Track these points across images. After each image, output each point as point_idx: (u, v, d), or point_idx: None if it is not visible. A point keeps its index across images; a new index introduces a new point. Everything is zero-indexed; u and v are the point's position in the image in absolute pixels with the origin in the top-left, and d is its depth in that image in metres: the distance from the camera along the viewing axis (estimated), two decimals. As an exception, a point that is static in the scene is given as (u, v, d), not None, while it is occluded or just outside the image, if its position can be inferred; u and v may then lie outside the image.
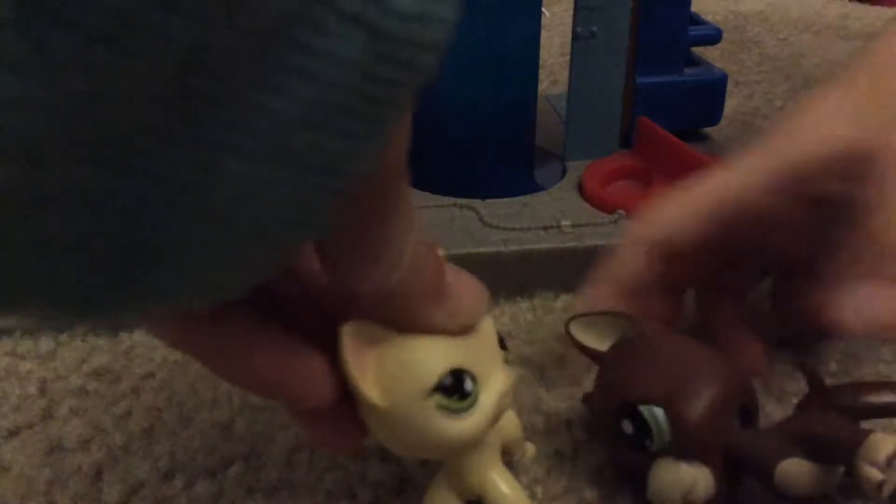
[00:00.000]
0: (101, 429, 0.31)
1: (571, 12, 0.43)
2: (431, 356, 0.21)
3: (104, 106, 0.12)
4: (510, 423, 0.27)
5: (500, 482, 0.25)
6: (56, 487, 0.28)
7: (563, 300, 0.38)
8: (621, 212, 0.40)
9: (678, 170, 0.42)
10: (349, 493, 0.28)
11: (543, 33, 0.45)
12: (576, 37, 0.44)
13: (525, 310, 0.38)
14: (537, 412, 0.31)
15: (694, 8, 0.50)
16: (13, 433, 0.31)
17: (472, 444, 0.23)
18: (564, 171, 0.46)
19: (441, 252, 0.21)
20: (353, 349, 0.20)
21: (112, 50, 0.11)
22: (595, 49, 0.44)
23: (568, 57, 0.45)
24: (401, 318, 0.21)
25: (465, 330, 0.22)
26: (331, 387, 0.21)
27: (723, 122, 0.52)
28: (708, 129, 0.51)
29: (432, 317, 0.21)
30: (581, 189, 0.43)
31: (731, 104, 0.61)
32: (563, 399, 0.32)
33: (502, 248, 0.38)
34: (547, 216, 0.41)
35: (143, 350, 0.35)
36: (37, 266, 0.14)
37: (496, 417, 0.22)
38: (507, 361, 0.24)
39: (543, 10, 0.43)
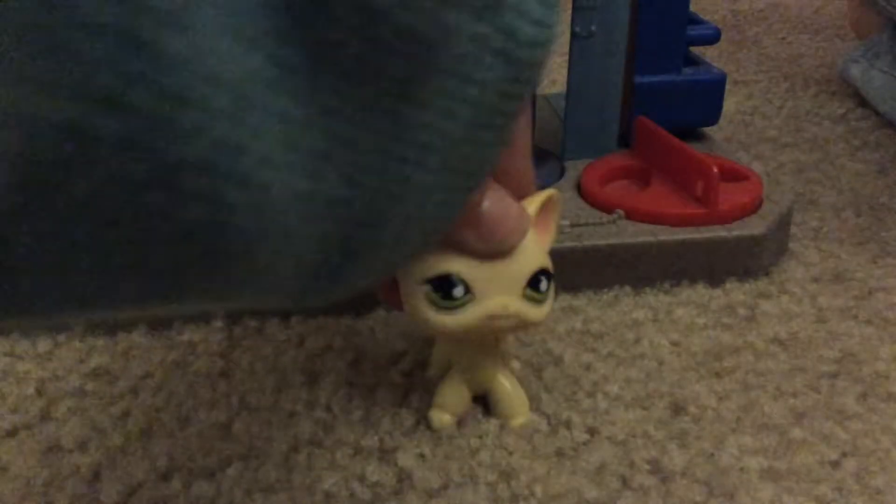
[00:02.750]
0: (99, 429, 0.31)
1: (570, 12, 0.43)
2: (436, 255, 0.26)
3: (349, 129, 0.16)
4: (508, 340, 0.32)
5: (505, 380, 0.31)
6: (54, 488, 0.28)
7: (561, 300, 0.38)
8: (620, 211, 0.40)
9: (677, 169, 0.42)
10: (348, 494, 0.28)
11: (542, 33, 0.44)
12: (574, 36, 0.44)
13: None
14: (537, 412, 0.31)
15: (693, 8, 0.50)
16: (11, 433, 0.31)
17: (447, 335, 0.28)
18: (563, 171, 0.46)
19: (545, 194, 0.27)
20: None
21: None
22: (594, 49, 0.44)
23: (566, 57, 0.45)
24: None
25: (495, 254, 0.26)
26: None
27: (722, 122, 0.52)
28: (707, 129, 0.51)
29: (463, 235, 0.25)
30: (580, 189, 0.43)
31: (730, 104, 0.61)
32: (563, 399, 0.32)
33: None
34: (546, 216, 0.40)
35: (141, 350, 0.35)
36: (288, 261, 0.16)
37: (477, 329, 0.27)
38: (535, 301, 0.27)
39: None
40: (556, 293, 0.39)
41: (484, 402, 0.31)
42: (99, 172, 0.13)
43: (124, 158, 0.13)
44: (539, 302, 0.27)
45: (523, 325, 0.27)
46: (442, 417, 0.30)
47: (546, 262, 0.27)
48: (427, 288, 0.26)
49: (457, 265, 0.26)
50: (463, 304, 0.26)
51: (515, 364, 0.33)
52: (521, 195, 0.27)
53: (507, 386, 0.31)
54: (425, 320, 0.27)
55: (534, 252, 0.27)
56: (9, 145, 0.12)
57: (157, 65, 0.12)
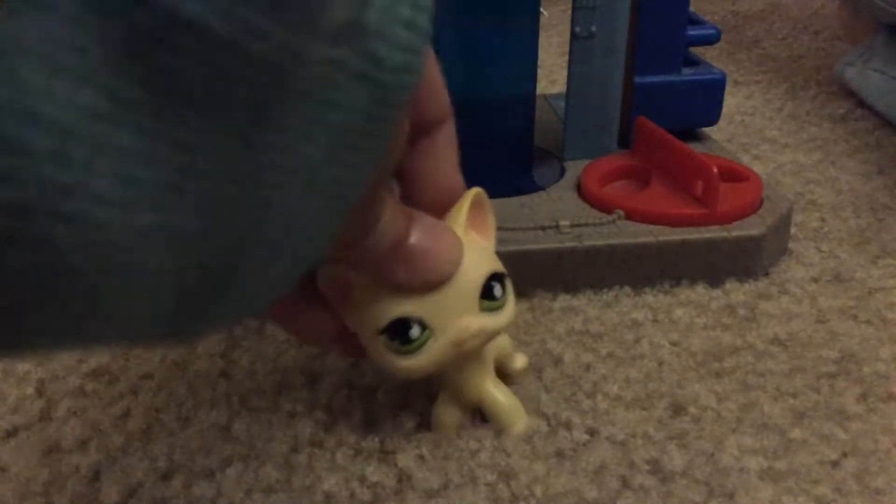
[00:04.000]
0: (99, 429, 0.31)
1: (570, 12, 0.43)
2: (381, 304, 0.25)
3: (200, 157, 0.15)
4: (502, 339, 0.31)
5: (495, 391, 0.30)
6: (54, 488, 0.28)
7: (561, 300, 0.38)
8: (620, 212, 0.40)
9: (677, 170, 0.42)
10: (348, 494, 0.28)
11: (542, 33, 0.45)
12: (574, 37, 0.44)
13: (524, 310, 0.38)
14: (536, 412, 0.31)
15: (693, 8, 0.50)
16: (11, 434, 0.31)
17: (420, 376, 0.26)
18: (563, 171, 0.46)
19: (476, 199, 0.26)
20: (328, 285, 0.26)
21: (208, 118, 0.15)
22: (594, 49, 0.44)
23: (567, 57, 0.45)
24: (370, 272, 0.25)
25: (429, 286, 0.25)
26: (331, 331, 0.27)
27: (721, 122, 0.52)
28: (707, 129, 0.51)
29: (395, 274, 0.24)
30: (580, 189, 0.43)
31: (729, 104, 0.61)
32: (563, 399, 0.32)
33: (500, 249, 0.38)
34: (545, 216, 0.41)
35: (141, 350, 0.35)
36: (141, 300, 0.16)
37: (445, 360, 0.26)
38: (494, 309, 0.26)
39: (542, 10, 0.43)
40: (556, 294, 0.39)
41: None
42: None
43: None
44: (498, 308, 0.26)
45: (491, 336, 0.27)
46: (441, 438, 0.30)
47: (494, 265, 0.27)
48: (383, 338, 0.25)
49: (404, 306, 0.25)
50: (424, 342, 0.25)
51: (520, 361, 0.32)
52: (450, 200, 0.27)
53: (498, 397, 0.30)
54: (394, 369, 0.26)
55: (477, 261, 0.26)
56: None
57: None
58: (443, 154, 0.26)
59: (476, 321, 0.26)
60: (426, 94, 0.25)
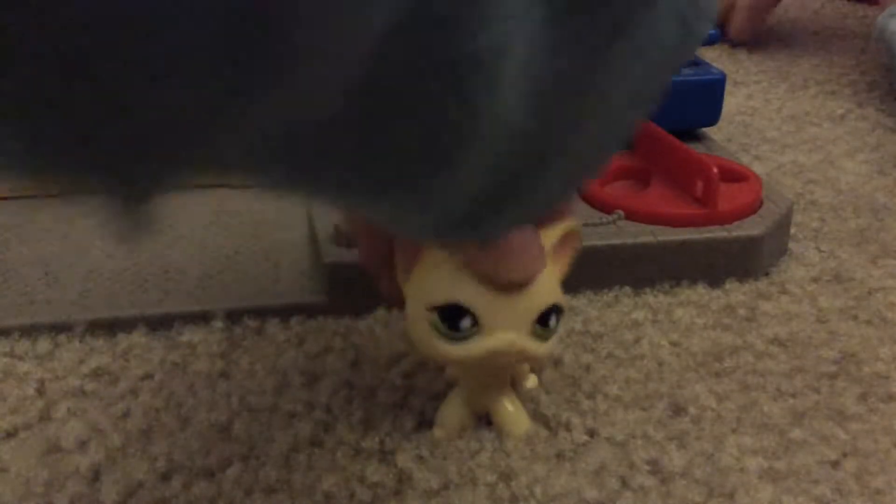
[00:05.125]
0: (99, 430, 0.31)
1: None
2: (446, 281, 0.25)
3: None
4: None
5: (507, 402, 0.30)
6: (54, 488, 0.28)
7: (561, 300, 0.38)
8: (620, 212, 0.40)
9: (677, 170, 0.42)
10: (348, 494, 0.28)
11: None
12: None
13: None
14: (536, 413, 0.31)
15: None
16: (11, 434, 0.31)
17: (447, 364, 0.28)
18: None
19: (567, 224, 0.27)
20: (403, 253, 0.27)
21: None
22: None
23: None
24: (455, 246, 0.25)
25: (508, 287, 0.25)
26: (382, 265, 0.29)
27: (721, 123, 0.52)
28: (707, 130, 0.51)
29: (481, 264, 0.25)
30: (579, 189, 0.43)
31: (729, 104, 0.61)
32: (563, 400, 0.32)
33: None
34: (546, 216, 0.40)
35: (142, 351, 0.35)
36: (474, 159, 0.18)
37: (479, 363, 0.26)
38: (541, 337, 0.26)
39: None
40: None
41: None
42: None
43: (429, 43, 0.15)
44: (545, 338, 0.26)
45: (526, 360, 0.27)
46: (444, 436, 0.30)
47: (558, 298, 0.27)
48: (433, 315, 0.25)
49: (467, 295, 0.25)
50: (468, 337, 0.25)
51: (532, 381, 0.32)
52: (550, 220, 0.27)
53: (509, 408, 0.30)
54: (427, 347, 0.26)
55: (547, 287, 0.26)
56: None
57: None
58: None
59: (522, 341, 0.26)
60: None
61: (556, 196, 0.23)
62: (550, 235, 0.27)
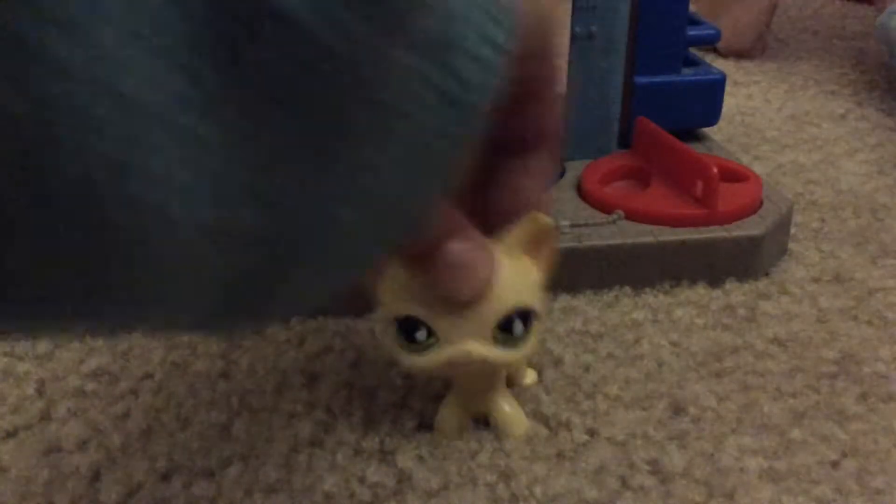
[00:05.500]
0: (99, 430, 0.31)
1: (570, 12, 0.43)
2: (403, 294, 0.25)
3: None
4: None
5: (503, 401, 0.30)
6: (54, 488, 0.28)
7: (561, 301, 0.38)
8: (620, 212, 0.40)
9: (677, 170, 0.42)
10: (348, 494, 0.28)
11: (542, 33, 0.44)
12: (574, 37, 0.44)
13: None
14: (536, 413, 0.31)
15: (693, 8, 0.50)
16: (11, 434, 0.31)
17: (417, 374, 0.29)
18: (563, 171, 0.46)
19: (543, 220, 0.26)
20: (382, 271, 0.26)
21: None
22: (593, 49, 0.44)
23: (566, 57, 0.44)
24: (406, 260, 0.25)
25: (451, 298, 0.24)
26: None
27: (721, 123, 0.52)
28: (706, 130, 0.51)
29: (426, 277, 0.24)
30: (579, 189, 0.43)
31: (729, 104, 0.61)
32: (563, 400, 0.32)
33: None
34: (546, 216, 0.40)
35: (142, 351, 0.35)
36: (183, 287, 0.15)
37: (442, 372, 0.27)
38: (507, 343, 0.25)
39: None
40: (556, 294, 0.39)
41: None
42: None
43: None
44: (513, 345, 0.26)
45: (493, 368, 0.26)
46: (442, 441, 0.30)
47: (526, 300, 0.26)
48: (394, 327, 0.26)
49: (420, 308, 0.25)
50: (426, 348, 0.25)
51: (530, 377, 0.32)
52: (517, 217, 0.26)
53: (506, 409, 0.30)
54: (394, 357, 0.27)
55: (509, 291, 0.25)
56: None
57: (40, 69, 0.11)
58: (533, 174, 0.26)
59: (480, 350, 0.25)
60: (537, 111, 0.24)
61: (326, 288, 0.19)
62: (514, 234, 0.26)
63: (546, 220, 0.26)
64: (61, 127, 0.12)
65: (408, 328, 0.25)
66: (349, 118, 0.15)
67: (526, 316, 0.26)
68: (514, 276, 0.26)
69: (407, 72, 0.15)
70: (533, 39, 0.22)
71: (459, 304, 0.25)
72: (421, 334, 0.25)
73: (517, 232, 0.26)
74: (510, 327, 0.25)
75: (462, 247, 0.24)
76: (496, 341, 0.25)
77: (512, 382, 0.32)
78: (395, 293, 0.26)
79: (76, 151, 0.12)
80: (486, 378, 0.29)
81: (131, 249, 0.13)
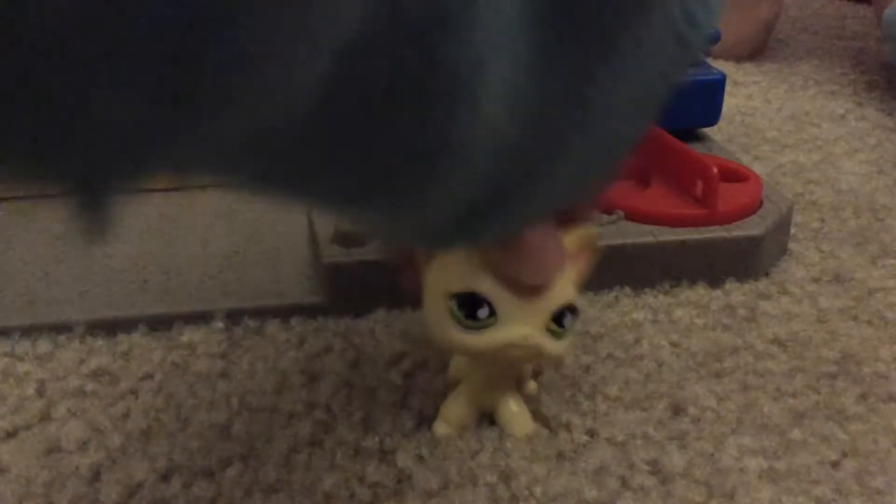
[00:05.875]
0: (99, 430, 0.31)
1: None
2: (468, 270, 0.25)
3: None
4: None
5: (512, 401, 0.30)
6: (54, 489, 0.28)
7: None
8: (620, 212, 0.40)
9: (677, 170, 0.42)
10: (348, 494, 0.28)
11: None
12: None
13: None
14: (536, 413, 0.31)
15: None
16: (11, 434, 0.31)
17: (461, 353, 0.29)
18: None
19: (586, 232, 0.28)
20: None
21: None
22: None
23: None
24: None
25: (526, 283, 0.25)
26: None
27: (721, 123, 0.52)
28: (706, 130, 0.51)
29: (501, 259, 0.25)
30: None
31: (729, 104, 0.61)
32: (563, 401, 0.32)
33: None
34: (546, 216, 0.40)
35: (142, 351, 0.35)
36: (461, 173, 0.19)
37: (493, 354, 0.26)
38: (555, 335, 0.26)
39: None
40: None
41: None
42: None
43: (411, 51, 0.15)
44: (559, 336, 0.26)
45: (539, 356, 0.27)
46: (445, 431, 0.30)
47: (574, 298, 0.27)
48: (452, 303, 0.26)
49: (487, 285, 0.25)
50: (484, 327, 0.25)
51: (531, 386, 0.32)
52: (570, 223, 0.27)
53: (513, 408, 0.30)
54: (442, 335, 0.26)
55: (564, 286, 0.26)
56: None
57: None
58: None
59: (537, 336, 0.26)
60: None
61: (550, 205, 0.23)
62: (568, 240, 0.27)
63: (594, 230, 0.28)
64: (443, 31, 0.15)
65: (470, 304, 0.25)
66: (622, 39, 0.18)
67: (574, 312, 0.27)
68: (567, 274, 0.27)
69: (663, 6, 0.19)
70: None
71: (527, 288, 0.25)
72: (483, 312, 0.25)
73: (570, 236, 0.27)
74: (562, 320, 0.26)
75: (544, 232, 0.25)
76: (547, 331, 0.26)
77: (517, 385, 0.32)
78: (456, 270, 0.26)
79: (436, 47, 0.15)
80: (507, 373, 0.30)
81: (455, 113, 0.16)
